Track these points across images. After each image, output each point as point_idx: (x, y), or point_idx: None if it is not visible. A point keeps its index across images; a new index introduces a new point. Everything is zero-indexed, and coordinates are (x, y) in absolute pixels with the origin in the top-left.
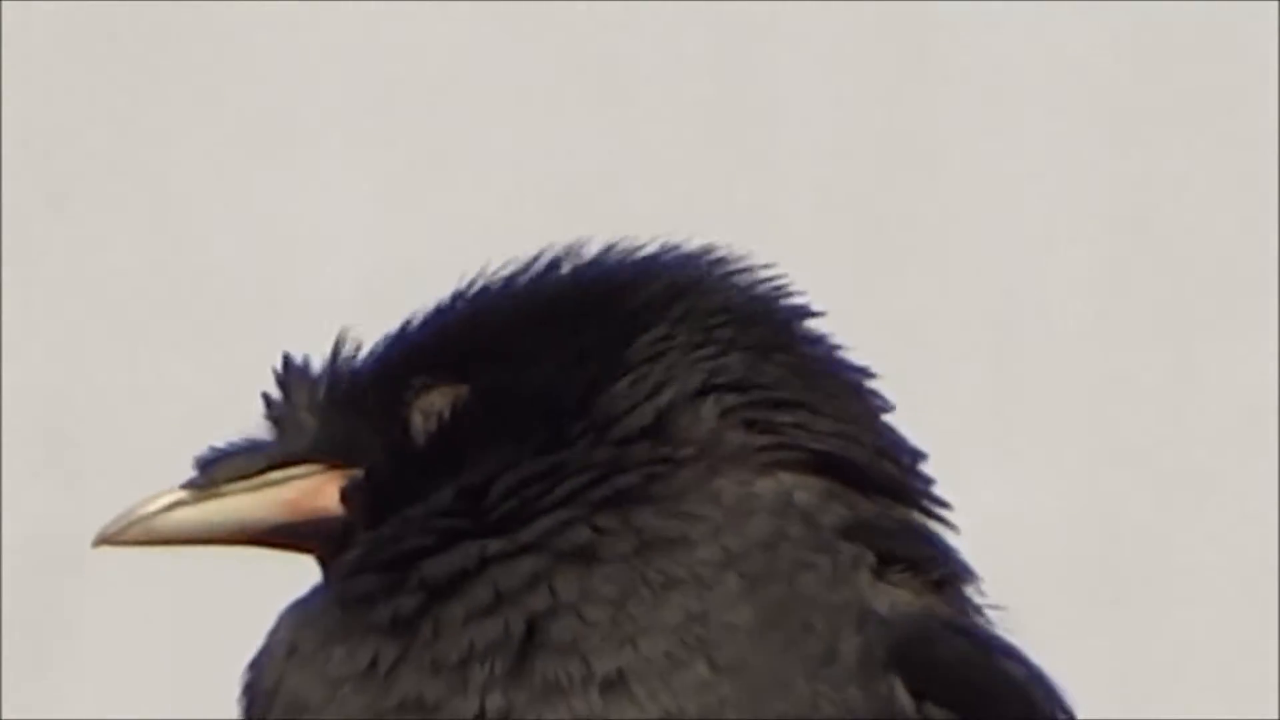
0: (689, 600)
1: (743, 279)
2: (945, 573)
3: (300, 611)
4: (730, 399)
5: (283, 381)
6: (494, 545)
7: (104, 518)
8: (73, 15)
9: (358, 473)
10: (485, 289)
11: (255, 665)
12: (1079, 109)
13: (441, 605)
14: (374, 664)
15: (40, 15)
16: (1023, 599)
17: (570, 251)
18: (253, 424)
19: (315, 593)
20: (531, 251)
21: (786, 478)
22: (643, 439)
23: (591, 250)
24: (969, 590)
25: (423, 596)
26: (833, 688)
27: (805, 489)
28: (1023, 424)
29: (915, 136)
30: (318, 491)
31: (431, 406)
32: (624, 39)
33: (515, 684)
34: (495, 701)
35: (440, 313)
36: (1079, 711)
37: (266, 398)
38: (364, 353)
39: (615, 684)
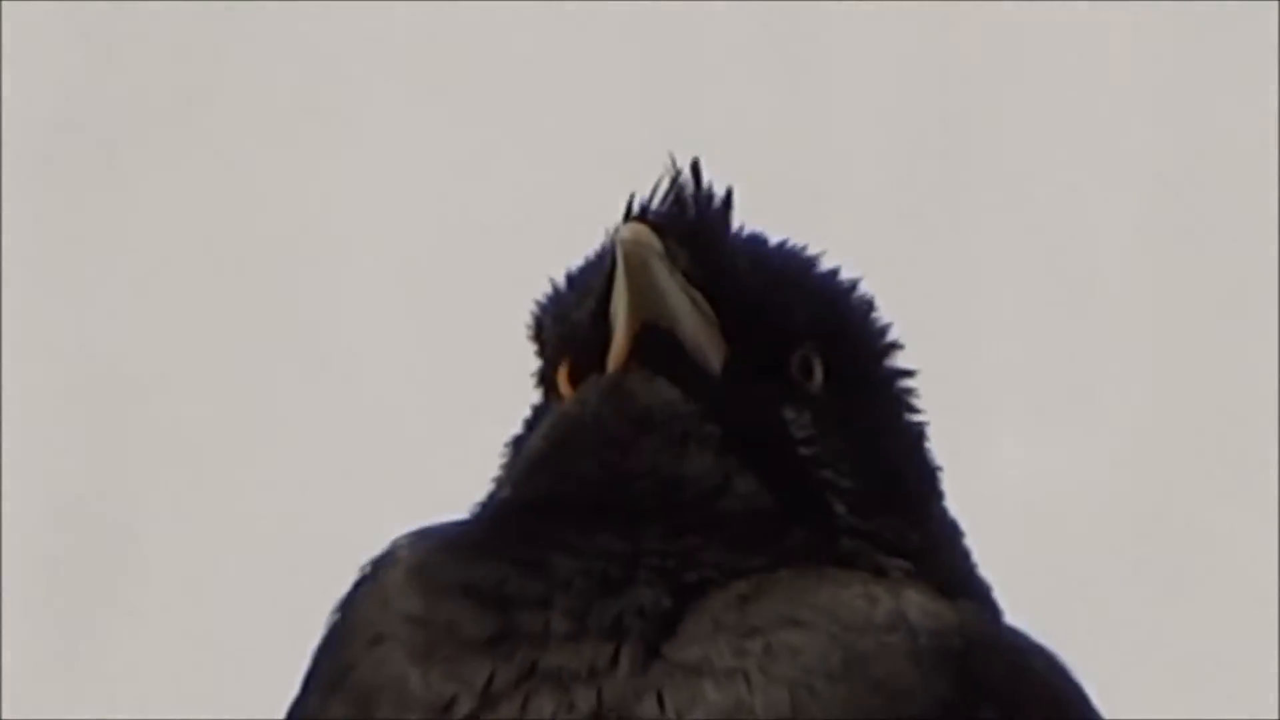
0: (780, 700)
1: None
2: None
3: (408, 584)
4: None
5: (717, 217)
6: (626, 653)
7: (147, 489)
8: None
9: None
10: (861, 297)
11: (343, 614)
12: (1131, 70)
13: (538, 689)
14: (450, 706)
15: None
16: (1061, 561)
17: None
18: (658, 199)
19: (431, 562)
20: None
21: (910, 594)
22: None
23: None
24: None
25: (522, 673)
26: None
27: (920, 607)
28: (1064, 386)
29: (972, 97)
30: (716, 347)
31: (809, 370)
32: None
33: None
34: None
35: (842, 289)
36: (1104, 678)
37: (690, 203)
38: (769, 256)
39: None
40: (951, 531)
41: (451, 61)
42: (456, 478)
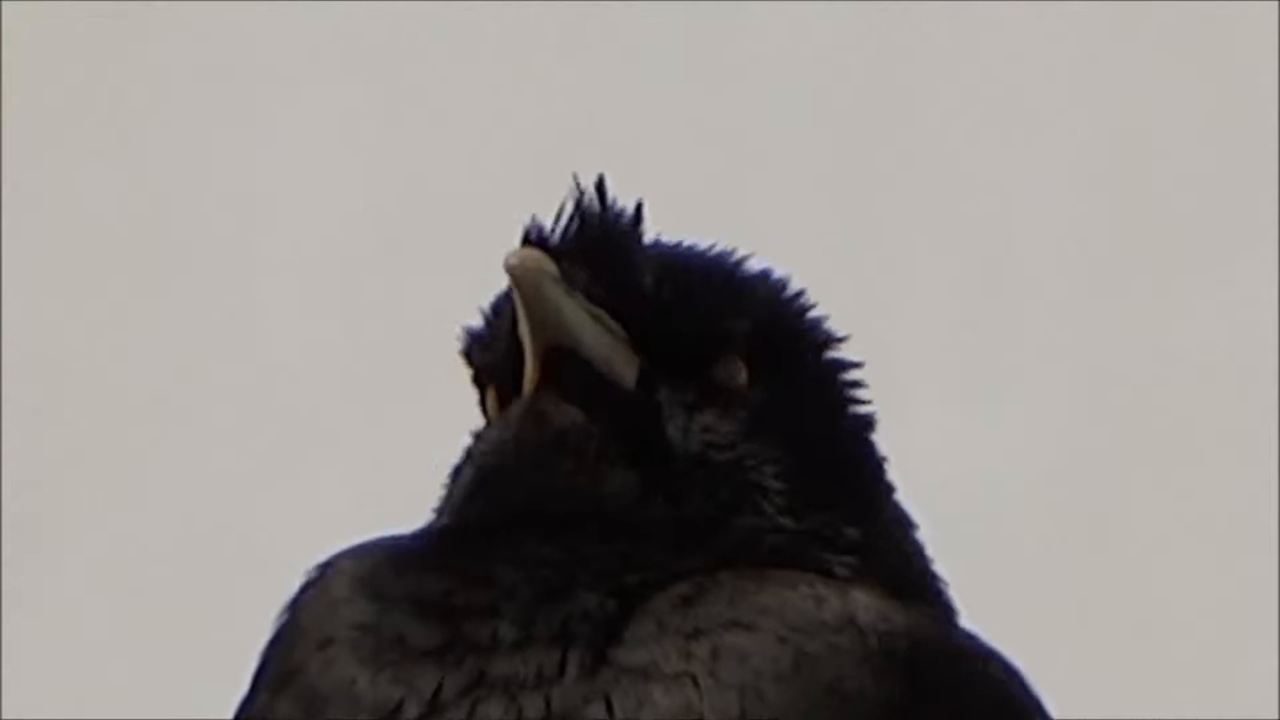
0: (730, 704)
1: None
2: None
3: (354, 592)
4: (836, 520)
5: (621, 233)
6: (573, 659)
7: (69, 486)
8: None
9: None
10: (790, 295)
11: (291, 615)
12: (1065, 44)
13: (486, 697)
14: (398, 709)
15: None
16: (999, 549)
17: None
18: (559, 220)
19: (375, 574)
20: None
21: (857, 595)
22: (768, 542)
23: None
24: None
25: (470, 681)
26: None
27: (868, 609)
28: (1001, 372)
29: (896, 72)
30: (628, 362)
31: (732, 374)
32: None
33: None
34: None
35: (767, 288)
36: (1051, 682)
37: (593, 222)
38: (688, 259)
39: None
40: (902, 526)
41: (371, 47)
42: (381, 471)
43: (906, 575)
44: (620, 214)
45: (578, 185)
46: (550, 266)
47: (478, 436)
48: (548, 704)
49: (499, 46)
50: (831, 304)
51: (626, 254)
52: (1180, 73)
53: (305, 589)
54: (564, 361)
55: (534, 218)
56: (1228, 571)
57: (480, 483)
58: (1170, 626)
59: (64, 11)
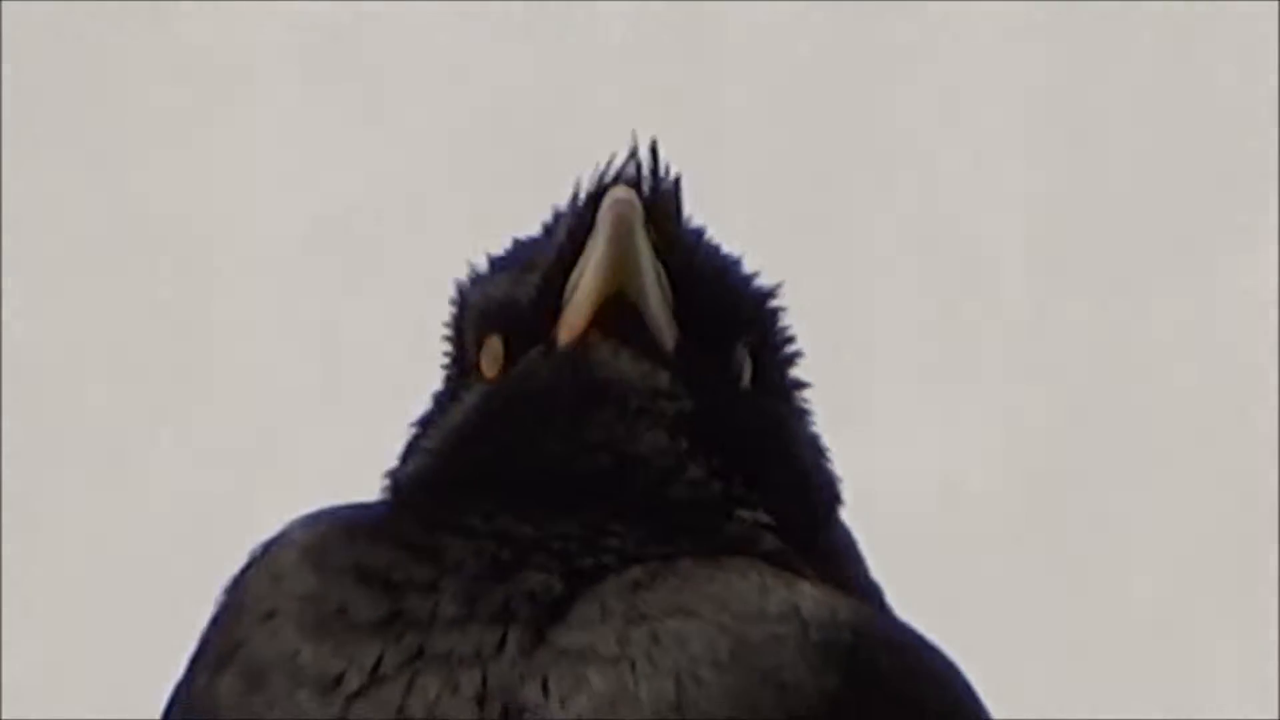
0: (665, 689)
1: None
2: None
3: (300, 564)
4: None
5: (676, 199)
6: (512, 637)
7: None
8: None
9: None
10: (780, 302)
11: (234, 592)
12: (1024, 41)
13: (424, 670)
14: (339, 681)
15: None
16: (968, 554)
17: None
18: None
19: (324, 544)
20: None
21: (805, 587)
22: (712, 531)
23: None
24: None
25: (410, 655)
26: None
27: (816, 600)
28: (967, 375)
29: (860, 69)
30: (671, 325)
31: (741, 363)
32: None
33: None
34: None
35: (768, 290)
36: (1026, 673)
37: (655, 183)
38: (713, 253)
39: None
40: (850, 540)
41: (336, 55)
42: (348, 461)
43: (856, 581)
44: (674, 180)
45: (635, 142)
46: (642, 212)
47: (457, 391)
48: (484, 680)
49: (471, 45)
50: (798, 303)
51: (679, 220)
52: (1139, 74)
53: (249, 565)
54: (619, 313)
55: (611, 162)
56: (1197, 570)
57: (485, 428)
58: (1139, 625)
59: (45, 18)
